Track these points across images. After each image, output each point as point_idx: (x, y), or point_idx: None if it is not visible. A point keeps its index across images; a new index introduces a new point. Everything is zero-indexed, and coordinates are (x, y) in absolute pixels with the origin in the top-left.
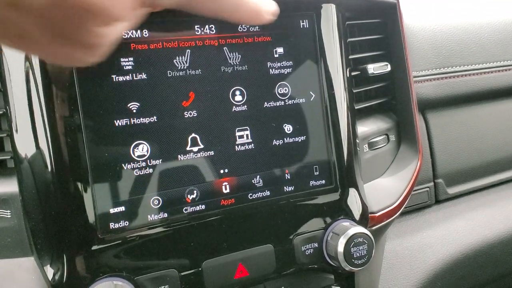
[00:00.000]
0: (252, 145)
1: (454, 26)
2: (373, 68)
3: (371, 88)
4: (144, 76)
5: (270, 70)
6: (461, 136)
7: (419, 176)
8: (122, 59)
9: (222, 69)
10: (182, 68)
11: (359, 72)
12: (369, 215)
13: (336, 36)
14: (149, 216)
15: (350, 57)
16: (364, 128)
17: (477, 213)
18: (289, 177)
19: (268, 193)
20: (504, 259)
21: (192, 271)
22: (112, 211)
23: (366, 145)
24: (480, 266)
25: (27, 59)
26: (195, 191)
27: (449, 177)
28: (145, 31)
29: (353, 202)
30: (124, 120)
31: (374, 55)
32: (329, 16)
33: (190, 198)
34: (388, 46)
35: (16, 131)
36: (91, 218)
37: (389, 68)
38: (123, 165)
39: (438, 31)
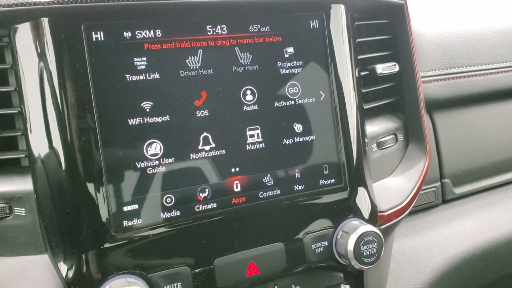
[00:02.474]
0: (263, 144)
1: (461, 28)
2: (381, 68)
3: (379, 88)
4: (157, 75)
5: (281, 70)
6: (467, 136)
7: (426, 176)
8: (135, 59)
9: (234, 68)
10: (194, 68)
11: (367, 72)
12: (378, 214)
13: (345, 37)
14: (161, 214)
15: (359, 57)
16: (372, 127)
17: (484, 213)
18: (299, 176)
19: (278, 191)
20: (511, 259)
21: (204, 268)
22: (125, 209)
23: (375, 144)
24: (487, 265)
25: (42, 59)
26: (207, 190)
27: (456, 177)
28: (158, 31)
29: (362, 201)
30: (137, 119)
31: (382, 56)
32: (339, 17)
33: (202, 196)
34: (396, 47)
35: (31, 130)
36: (104, 216)
37: (397, 68)
38: (136, 163)
39: (445, 32)
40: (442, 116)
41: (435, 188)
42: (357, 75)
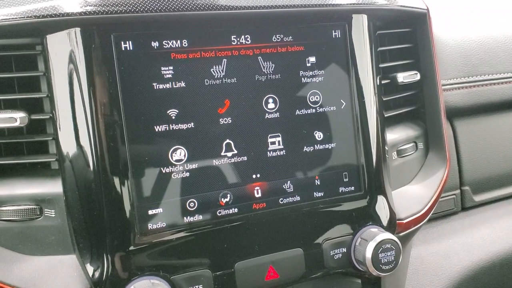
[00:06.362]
0: (284, 151)
1: (483, 35)
2: (402, 77)
3: (400, 96)
4: (183, 84)
5: (302, 78)
6: (488, 144)
7: (446, 184)
8: (162, 68)
9: (256, 77)
10: (218, 76)
11: (389, 81)
12: (397, 221)
13: (367, 46)
14: (185, 218)
15: (380, 65)
16: (393, 135)
17: (503, 221)
18: (319, 183)
19: (298, 198)
20: None
21: (225, 271)
22: (150, 212)
23: (395, 152)
24: (505, 274)
25: (73, 67)
26: (228, 195)
27: (476, 184)
28: (184, 41)
29: (381, 208)
30: (163, 126)
31: (403, 64)
32: (361, 27)
33: (224, 202)
34: (417, 55)
35: (61, 135)
36: (130, 219)
37: (418, 77)
38: (161, 169)
39: (467, 39)
40: (463, 124)
41: (454, 196)
42: (378, 84)
